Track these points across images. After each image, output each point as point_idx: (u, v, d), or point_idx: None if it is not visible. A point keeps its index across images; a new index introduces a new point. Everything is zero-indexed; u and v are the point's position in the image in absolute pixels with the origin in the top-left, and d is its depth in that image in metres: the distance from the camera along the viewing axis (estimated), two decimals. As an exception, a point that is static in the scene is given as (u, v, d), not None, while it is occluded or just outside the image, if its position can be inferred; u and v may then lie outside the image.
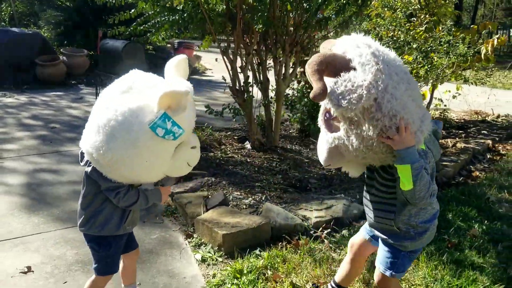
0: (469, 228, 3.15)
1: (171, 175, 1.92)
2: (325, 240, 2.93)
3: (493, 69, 6.99)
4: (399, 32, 4.90)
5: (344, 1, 3.81)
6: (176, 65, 1.87)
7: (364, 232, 2.10)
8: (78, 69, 8.98)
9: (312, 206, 3.33)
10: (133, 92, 1.74)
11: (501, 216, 3.45)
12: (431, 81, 5.79)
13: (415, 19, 5.60)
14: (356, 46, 1.56)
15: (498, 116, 7.22)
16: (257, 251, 2.79)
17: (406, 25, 5.34)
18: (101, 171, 1.82)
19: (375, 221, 1.86)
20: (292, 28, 4.17)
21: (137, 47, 4.01)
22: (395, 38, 4.85)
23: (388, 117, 1.52)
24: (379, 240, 1.93)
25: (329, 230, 3.09)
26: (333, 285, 2.25)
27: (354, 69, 1.52)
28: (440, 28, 5.54)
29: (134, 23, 4.23)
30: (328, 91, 1.52)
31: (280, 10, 4.04)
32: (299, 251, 2.76)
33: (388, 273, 1.86)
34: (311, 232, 3.06)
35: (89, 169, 1.86)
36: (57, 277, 2.50)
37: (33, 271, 2.54)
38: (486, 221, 3.30)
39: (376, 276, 1.95)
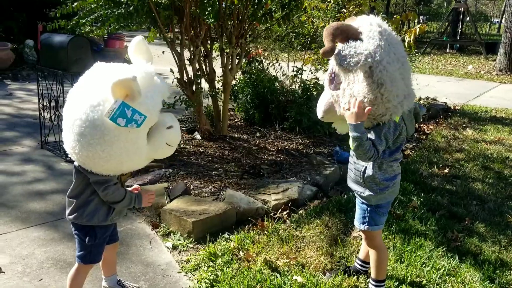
0: (410, 201, 3.54)
1: (156, 157, 1.99)
2: (286, 220, 3.16)
3: (416, 55, 7.62)
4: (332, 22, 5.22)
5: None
6: (135, 49, 1.93)
7: None
8: (1, 63, 8.47)
9: (269, 190, 3.54)
10: (93, 87, 1.78)
11: (434, 188, 3.88)
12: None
13: (345, 10, 5.97)
14: (369, 24, 1.88)
15: (420, 99, 7.87)
16: (225, 235, 2.95)
17: (337, 15, 5.69)
18: (85, 168, 1.89)
19: (352, 176, 2.20)
20: (237, 21, 4.32)
21: (83, 41, 3.92)
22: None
23: (376, 84, 1.84)
24: (356, 201, 2.27)
25: (287, 211, 3.32)
26: (359, 262, 2.52)
27: (361, 40, 1.83)
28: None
29: (77, 17, 4.15)
30: (335, 52, 1.84)
31: (226, 3, 4.17)
32: (265, 232, 2.96)
33: (362, 227, 2.20)
34: (271, 214, 3.27)
35: (77, 162, 1.92)
36: (30, 276, 2.50)
37: (3, 272, 2.51)
38: (422, 194, 3.71)
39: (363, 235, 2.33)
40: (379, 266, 2.24)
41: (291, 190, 3.56)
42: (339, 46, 1.86)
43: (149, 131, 1.85)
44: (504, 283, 2.47)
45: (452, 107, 7.55)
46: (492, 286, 2.42)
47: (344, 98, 1.96)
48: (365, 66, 1.81)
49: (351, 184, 2.23)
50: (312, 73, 5.65)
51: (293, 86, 5.53)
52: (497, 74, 12.83)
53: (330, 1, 5.71)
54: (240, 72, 5.38)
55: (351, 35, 1.85)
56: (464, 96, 8.85)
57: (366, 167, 2.09)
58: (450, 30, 19.71)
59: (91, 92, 1.76)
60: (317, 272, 2.54)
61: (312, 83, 5.27)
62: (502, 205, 3.59)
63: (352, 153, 2.15)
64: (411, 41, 5.75)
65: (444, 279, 2.49)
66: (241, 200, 3.27)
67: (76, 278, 2.11)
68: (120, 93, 1.68)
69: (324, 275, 2.51)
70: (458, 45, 19.57)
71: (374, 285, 2.28)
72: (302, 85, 5.26)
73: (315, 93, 5.17)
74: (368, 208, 2.17)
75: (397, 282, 2.43)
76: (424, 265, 2.61)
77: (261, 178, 3.90)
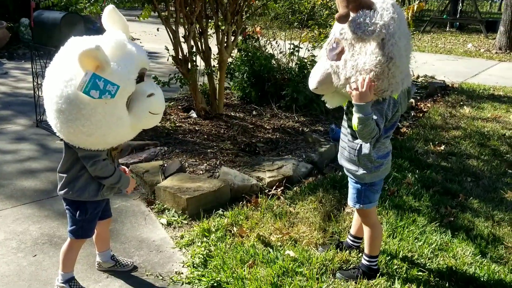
0: (404, 177, 3.54)
1: (143, 127, 1.98)
2: (281, 197, 3.17)
3: (414, 33, 7.53)
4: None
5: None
6: (107, 19, 1.90)
7: None
8: (-4, 42, 8.38)
9: (264, 168, 3.55)
10: (65, 62, 1.75)
11: (429, 165, 3.89)
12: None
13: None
14: None
15: (418, 77, 7.83)
16: (219, 212, 2.96)
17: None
18: (73, 145, 1.88)
19: (345, 155, 2.17)
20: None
21: (76, 18, 3.86)
22: (330, 6, 5.11)
23: (386, 57, 1.79)
24: (349, 181, 2.25)
25: (282, 188, 3.33)
26: (350, 237, 2.54)
27: (375, 10, 1.79)
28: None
29: (70, -7, 4.09)
30: (350, 18, 1.80)
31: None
32: (259, 208, 2.98)
33: (357, 206, 2.20)
34: (266, 191, 3.28)
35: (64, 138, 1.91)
36: (25, 251, 2.52)
37: (-2, 248, 2.53)
38: (417, 170, 3.72)
39: (355, 211, 2.33)
40: (373, 242, 2.25)
41: (286, 168, 3.56)
42: (352, 14, 1.81)
43: (129, 101, 1.82)
44: (496, 257, 2.49)
45: (450, 85, 7.50)
46: (484, 260, 2.44)
47: (345, 69, 1.88)
48: (378, 37, 1.77)
49: (344, 163, 2.21)
50: (309, 50, 5.60)
51: (290, 64, 5.49)
52: (496, 53, 12.72)
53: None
54: (236, 50, 5.33)
55: (364, 3, 1.80)
56: (462, 74, 8.79)
57: (361, 145, 2.07)
58: (451, 8, 19.43)
59: (64, 67, 1.75)
60: (309, 247, 2.56)
61: (309, 60, 5.22)
62: (497, 181, 3.60)
63: (345, 131, 2.14)
64: (409, 18, 5.70)
65: (436, 254, 2.51)
66: (235, 177, 3.28)
67: (68, 253, 2.12)
68: (88, 65, 1.66)
69: (317, 250, 2.53)
70: (458, 23, 19.32)
71: (367, 261, 2.29)
72: (298, 62, 5.21)
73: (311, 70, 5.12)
74: (362, 187, 2.16)
75: (389, 257, 2.45)
76: (416, 240, 2.63)
77: (256, 156, 3.90)
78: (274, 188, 3.32)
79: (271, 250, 2.49)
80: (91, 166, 1.91)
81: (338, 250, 2.49)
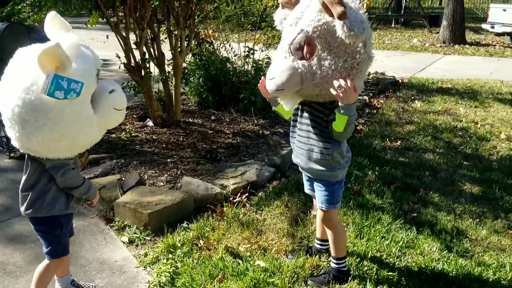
0: (365, 175, 3.57)
1: (110, 126, 1.94)
2: (246, 204, 3.11)
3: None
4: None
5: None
6: (51, 25, 1.84)
7: (306, 190, 2.37)
8: None
9: (227, 174, 3.47)
10: (21, 70, 1.69)
11: (388, 161, 3.95)
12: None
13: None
14: None
15: (369, 74, 7.98)
16: (184, 225, 2.86)
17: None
18: (40, 156, 1.78)
19: (314, 158, 2.06)
20: (184, 1, 4.15)
21: (19, 28, 3.64)
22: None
23: (368, 55, 1.81)
24: (314, 184, 2.19)
25: (247, 194, 3.27)
26: (318, 242, 2.49)
27: (350, 8, 1.72)
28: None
29: (11, 3, 3.84)
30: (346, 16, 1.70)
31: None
32: (225, 218, 2.90)
33: (332, 207, 2.15)
34: (231, 198, 3.21)
35: (30, 152, 1.81)
36: (-25, 284, 2.32)
37: None
38: (377, 167, 3.76)
39: (321, 216, 2.24)
40: (338, 243, 2.24)
41: (249, 173, 3.50)
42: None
43: (93, 99, 1.78)
44: (462, 251, 2.54)
45: (400, 81, 7.69)
46: (450, 255, 2.48)
47: (320, 68, 1.81)
48: (366, 35, 1.75)
49: (312, 166, 2.09)
50: (263, 51, 5.58)
51: (246, 67, 5.44)
52: (441, 46, 13.24)
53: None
54: (190, 55, 5.22)
55: (344, 3, 1.74)
56: (410, 69, 9.05)
57: (331, 143, 2.02)
58: (395, 5, 20.04)
59: (20, 76, 1.67)
60: (279, 255, 2.51)
61: (264, 62, 5.19)
62: (454, 174, 3.70)
63: (306, 133, 2.07)
64: None
65: (404, 252, 2.53)
66: (198, 187, 3.19)
67: (44, 275, 2.02)
68: (49, 65, 1.60)
69: (287, 257, 2.49)
70: (402, 19, 20.00)
71: (336, 263, 2.27)
72: (254, 65, 5.17)
73: (267, 72, 5.10)
74: (335, 186, 2.14)
75: (359, 258, 2.44)
76: (383, 239, 2.65)
77: (218, 163, 3.82)
78: (238, 195, 3.26)
79: (240, 262, 2.43)
80: (62, 176, 1.82)
81: (308, 256, 2.46)
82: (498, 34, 14.04)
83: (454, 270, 2.34)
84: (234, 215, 2.93)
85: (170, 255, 2.53)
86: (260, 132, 4.61)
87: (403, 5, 20.45)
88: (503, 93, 6.92)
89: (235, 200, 3.18)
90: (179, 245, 2.60)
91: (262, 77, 2.10)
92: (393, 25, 19.44)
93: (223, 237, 2.70)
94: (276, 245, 2.60)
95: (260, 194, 3.30)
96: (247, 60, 5.37)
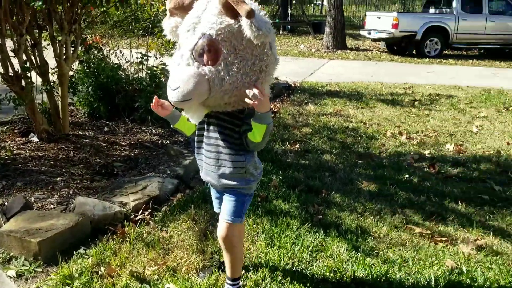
0: (270, 180, 3.58)
1: None
2: (150, 221, 2.91)
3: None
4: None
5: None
6: None
7: (215, 208, 2.24)
8: None
9: (127, 190, 3.23)
10: None
11: (290, 164, 4.01)
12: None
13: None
14: None
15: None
16: (81, 251, 2.58)
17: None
18: None
19: (228, 173, 1.93)
20: (68, 4, 3.80)
21: None
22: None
23: (274, 57, 1.76)
24: (224, 196, 2.06)
25: (150, 210, 3.07)
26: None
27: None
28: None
29: None
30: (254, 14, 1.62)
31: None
32: (127, 239, 2.68)
33: (238, 220, 2.02)
34: (132, 217, 2.99)
35: None
36: None
37: None
38: (280, 172, 3.79)
39: (223, 230, 2.02)
40: (237, 263, 2.12)
41: (151, 187, 3.30)
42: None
43: None
44: (367, 250, 2.62)
45: (293, 85, 7.96)
46: (358, 255, 2.56)
47: (229, 73, 1.70)
48: (271, 36, 1.68)
49: (224, 182, 1.96)
50: (157, 58, 5.36)
51: (140, 74, 5.18)
52: (325, 52, 14.05)
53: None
54: (77, 62, 4.82)
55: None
56: (300, 73, 9.44)
57: (244, 155, 1.92)
58: (281, 12, 20.89)
59: None
60: (190, 274, 2.37)
61: (159, 69, 4.98)
62: (351, 173, 3.87)
63: (215, 148, 1.91)
64: None
65: (315, 256, 2.55)
66: (95, 207, 2.91)
67: None
68: None
69: (198, 276, 2.36)
70: (289, 26, 20.90)
71: (232, 285, 2.14)
72: (149, 72, 4.94)
73: (164, 79, 4.91)
74: (247, 198, 2.04)
75: (272, 269, 2.40)
76: (294, 245, 2.64)
77: (115, 178, 3.55)
78: (140, 212, 3.04)
79: (148, 287, 2.24)
80: None
81: (221, 272, 2.36)
82: (374, 40, 15.27)
83: (363, 270, 2.40)
84: (137, 235, 2.72)
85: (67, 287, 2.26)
86: (159, 142, 4.40)
87: (289, 13, 21.38)
88: (384, 94, 7.50)
89: (137, 218, 2.96)
90: (77, 275, 2.33)
91: (155, 97, 1.95)
92: (281, 32, 20.20)
93: (127, 261, 2.48)
94: (186, 264, 2.45)
95: (164, 209, 3.12)
96: (140, 66, 5.11)
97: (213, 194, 2.23)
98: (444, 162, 4.23)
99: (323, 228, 2.84)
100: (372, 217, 3.03)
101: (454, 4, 13.61)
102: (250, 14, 1.57)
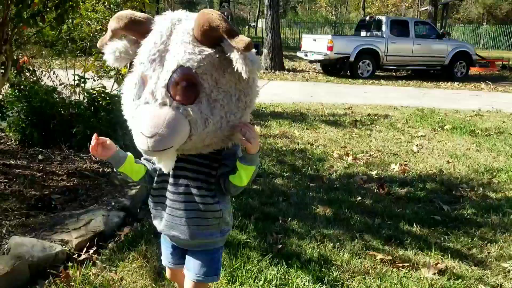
0: (224, 209, 3.42)
1: None
2: (97, 261, 2.65)
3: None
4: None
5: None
6: None
7: (167, 263, 1.93)
8: None
9: (68, 227, 2.94)
10: None
11: (243, 191, 3.87)
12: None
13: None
14: None
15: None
16: (18, 300, 2.28)
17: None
18: None
19: (204, 224, 1.67)
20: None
21: None
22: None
23: (256, 91, 1.58)
24: (191, 255, 1.77)
25: (95, 248, 2.80)
26: None
27: None
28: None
29: None
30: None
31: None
32: (72, 284, 2.40)
33: (216, 278, 1.79)
34: (75, 256, 2.71)
35: None
36: None
37: None
38: (233, 199, 3.65)
39: None
40: None
41: (95, 222, 3.03)
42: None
43: None
44: (332, 280, 2.54)
45: (237, 106, 7.87)
46: (323, 286, 2.46)
47: (214, 113, 1.46)
48: (259, 70, 1.47)
49: (199, 236, 1.69)
50: (95, 80, 5.06)
51: (76, 97, 4.85)
52: (264, 72, 14.20)
53: (105, 2, 5.20)
54: (7, 85, 4.42)
55: None
56: (243, 94, 9.39)
57: (220, 202, 1.67)
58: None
59: None
60: (148, 320, 2.16)
61: (99, 92, 4.69)
62: (305, 197, 3.81)
63: (188, 197, 1.63)
64: None
65: (279, 291, 2.42)
66: (33, 248, 2.60)
67: None
68: None
69: (157, 321, 2.15)
70: (227, 46, 20.98)
71: None
72: (87, 95, 4.63)
73: (103, 103, 4.62)
74: (220, 251, 1.80)
75: (236, 307, 2.25)
76: (256, 280, 2.50)
77: (54, 212, 3.22)
78: (85, 251, 2.76)
79: (101, 339, 2.00)
80: None
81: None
82: (310, 61, 15.70)
83: (331, 303, 2.31)
84: (84, 278, 2.45)
85: None
86: (100, 170, 4.10)
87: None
88: (326, 114, 7.64)
89: (81, 258, 2.68)
90: (15, 330, 2.04)
91: (94, 136, 1.59)
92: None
93: (74, 308, 2.22)
94: (142, 308, 2.23)
95: (111, 245, 2.86)
96: (77, 89, 4.79)
97: (167, 246, 1.88)
98: (392, 183, 4.30)
99: (284, 259, 2.72)
100: (332, 244, 2.96)
101: (383, 28, 14.37)
102: (249, 47, 1.35)
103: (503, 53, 26.49)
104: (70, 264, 2.58)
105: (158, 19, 1.51)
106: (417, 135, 6.32)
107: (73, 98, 4.88)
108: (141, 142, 1.41)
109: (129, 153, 1.68)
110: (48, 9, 3.44)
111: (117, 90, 4.91)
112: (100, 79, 5.11)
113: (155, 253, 2.74)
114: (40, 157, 4.30)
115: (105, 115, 4.54)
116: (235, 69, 1.40)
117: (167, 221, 1.69)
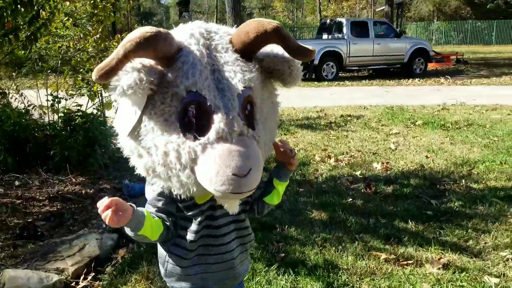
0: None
1: None
2: (99, 287, 2.54)
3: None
4: (88, 44, 4.63)
5: (35, 11, 3.25)
6: None
7: None
8: None
9: (61, 254, 2.81)
10: None
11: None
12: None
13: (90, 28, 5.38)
14: None
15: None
16: (21, 337, 2.15)
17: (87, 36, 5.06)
18: None
19: (247, 253, 1.57)
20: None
21: None
22: (85, 50, 4.56)
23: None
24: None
25: (93, 274, 2.69)
26: None
27: None
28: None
29: None
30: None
31: None
32: (77, 313, 2.29)
33: None
34: (73, 284, 2.59)
35: None
36: None
37: None
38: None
39: None
40: None
41: (89, 246, 2.91)
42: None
43: None
44: (342, 284, 2.53)
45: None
46: (337, 292, 2.46)
47: (265, 132, 1.30)
48: None
49: (241, 274, 1.55)
50: (66, 100, 4.89)
51: (50, 118, 4.68)
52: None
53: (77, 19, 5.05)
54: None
55: None
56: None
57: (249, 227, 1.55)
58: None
59: None
60: None
61: (74, 111, 4.54)
62: (297, 203, 3.79)
63: (237, 233, 1.48)
64: None
65: (292, 300, 2.39)
66: (29, 280, 2.47)
67: None
68: None
69: None
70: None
71: None
72: (62, 115, 4.47)
73: (79, 122, 4.47)
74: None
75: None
76: (268, 291, 2.47)
77: (42, 240, 3.09)
78: (83, 277, 2.65)
79: None
80: None
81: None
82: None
83: (348, 308, 2.30)
84: (89, 307, 2.35)
85: None
86: (83, 192, 3.97)
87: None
88: (300, 118, 7.69)
89: (80, 286, 2.57)
90: None
91: (111, 201, 1.16)
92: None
93: None
94: (156, 332, 2.15)
95: (109, 270, 2.76)
96: (50, 110, 4.62)
97: None
98: (377, 181, 4.36)
99: (290, 268, 2.69)
100: (334, 248, 2.96)
101: (344, 29, 14.66)
102: (312, 55, 1.23)
103: (455, 47, 27.58)
104: (70, 293, 2.46)
105: (181, 33, 1.26)
106: (391, 133, 6.45)
107: (46, 119, 4.70)
108: (232, 186, 1.12)
109: (144, 208, 1.36)
110: (21, 27, 3.29)
111: (93, 108, 4.77)
112: (72, 97, 4.95)
113: (158, 273, 2.65)
114: (17, 183, 4.11)
115: (82, 134, 4.40)
116: (276, 82, 1.34)
117: (217, 272, 1.48)
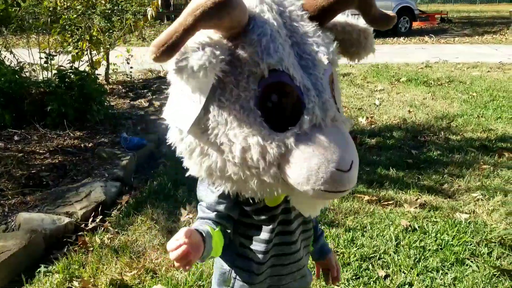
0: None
1: None
2: (109, 228, 2.76)
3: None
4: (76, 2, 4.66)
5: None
6: None
7: None
8: None
9: (70, 200, 3.01)
10: None
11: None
12: (108, 46, 5.86)
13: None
14: None
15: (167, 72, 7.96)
16: (42, 269, 2.37)
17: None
18: None
19: (306, 264, 1.35)
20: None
21: None
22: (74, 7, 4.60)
23: None
24: None
25: (101, 216, 2.91)
26: None
27: None
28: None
29: None
30: None
31: None
32: (91, 249, 2.52)
33: None
34: (82, 226, 2.81)
35: None
36: None
37: None
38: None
39: None
40: None
41: (95, 193, 3.11)
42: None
43: None
44: (329, 221, 2.80)
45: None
46: (323, 227, 2.72)
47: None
48: None
49: (308, 279, 1.38)
50: (57, 56, 4.96)
51: (45, 75, 4.76)
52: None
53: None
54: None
55: None
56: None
57: None
58: (163, 2, 20.45)
59: None
60: (171, 273, 2.32)
61: (68, 69, 4.63)
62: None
63: (305, 235, 1.28)
64: (154, 13, 5.81)
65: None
66: (43, 221, 2.67)
67: None
68: None
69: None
70: (173, 16, 20.55)
71: None
72: (57, 72, 4.56)
73: (75, 79, 4.58)
74: None
75: None
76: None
77: (48, 188, 3.27)
78: (91, 219, 2.87)
79: (134, 293, 2.16)
80: None
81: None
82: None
83: (331, 241, 2.57)
84: (102, 243, 2.57)
85: (42, 311, 2.08)
86: (82, 145, 4.12)
87: (171, 2, 21.07)
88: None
89: (90, 227, 2.79)
90: (49, 295, 2.16)
91: (184, 245, 0.91)
92: (165, 22, 19.78)
93: (98, 270, 2.35)
94: (164, 263, 2.39)
95: (115, 213, 2.98)
96: (46, 67, 4.70)
97: None
98: (362, 134, 4.60)
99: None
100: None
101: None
102: (394, 21, 1.09)
103: (440, 6, 27.54)
104: (85, 233, 2.68)
105: None
106: (376, 89, 6.66)
107: (40, 77, 4.79)
108: (337, 183, 0.94)
109: (206, 225, 1.10)
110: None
111: (86, 65, 4.86)
112: (59, 54, 5.02)
113: (162, 214, 2.89)
114: (16, 138, 4.24)
115: (77, 90, 4.51)
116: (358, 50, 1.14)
117: (290, 283, 1.29)
